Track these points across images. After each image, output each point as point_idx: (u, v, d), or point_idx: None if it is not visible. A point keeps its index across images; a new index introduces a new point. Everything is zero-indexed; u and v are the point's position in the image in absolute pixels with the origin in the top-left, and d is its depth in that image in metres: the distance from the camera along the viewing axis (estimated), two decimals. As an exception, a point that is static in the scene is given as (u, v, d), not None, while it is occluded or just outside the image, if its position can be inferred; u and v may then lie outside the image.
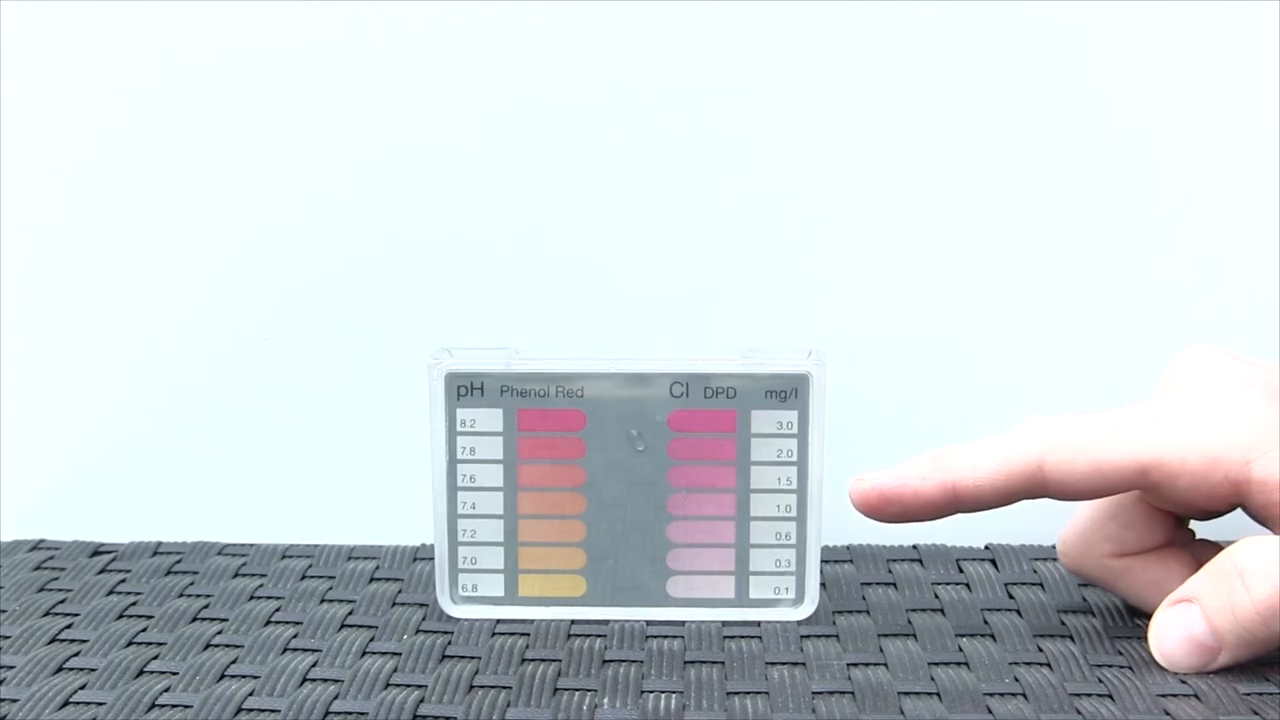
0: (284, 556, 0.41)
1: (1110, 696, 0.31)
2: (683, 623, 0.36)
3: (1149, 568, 0.34)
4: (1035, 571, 0.39)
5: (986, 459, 0.33)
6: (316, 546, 0.42)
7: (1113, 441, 0.32)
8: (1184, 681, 0.32)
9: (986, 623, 0.36)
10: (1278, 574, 0.30)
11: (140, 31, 0.43)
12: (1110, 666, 0.33)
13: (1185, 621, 0.32)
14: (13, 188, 0.44)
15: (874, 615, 0.36)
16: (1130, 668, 0.33)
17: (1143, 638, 0.35)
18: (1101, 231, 0.42)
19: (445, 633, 0.36)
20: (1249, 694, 0.31)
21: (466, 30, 0.42)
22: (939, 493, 0.33)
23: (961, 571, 0.39)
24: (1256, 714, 0.30)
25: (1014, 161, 0.42)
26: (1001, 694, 0.31)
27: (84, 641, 0.36)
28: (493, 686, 0.33)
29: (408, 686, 0.33)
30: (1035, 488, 0.32)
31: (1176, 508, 0.33)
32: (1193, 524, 0.36)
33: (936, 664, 0.33)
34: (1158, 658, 0.32)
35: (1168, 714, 0.30)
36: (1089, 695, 0.31)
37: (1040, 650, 0.34)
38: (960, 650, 0.34)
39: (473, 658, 0.34)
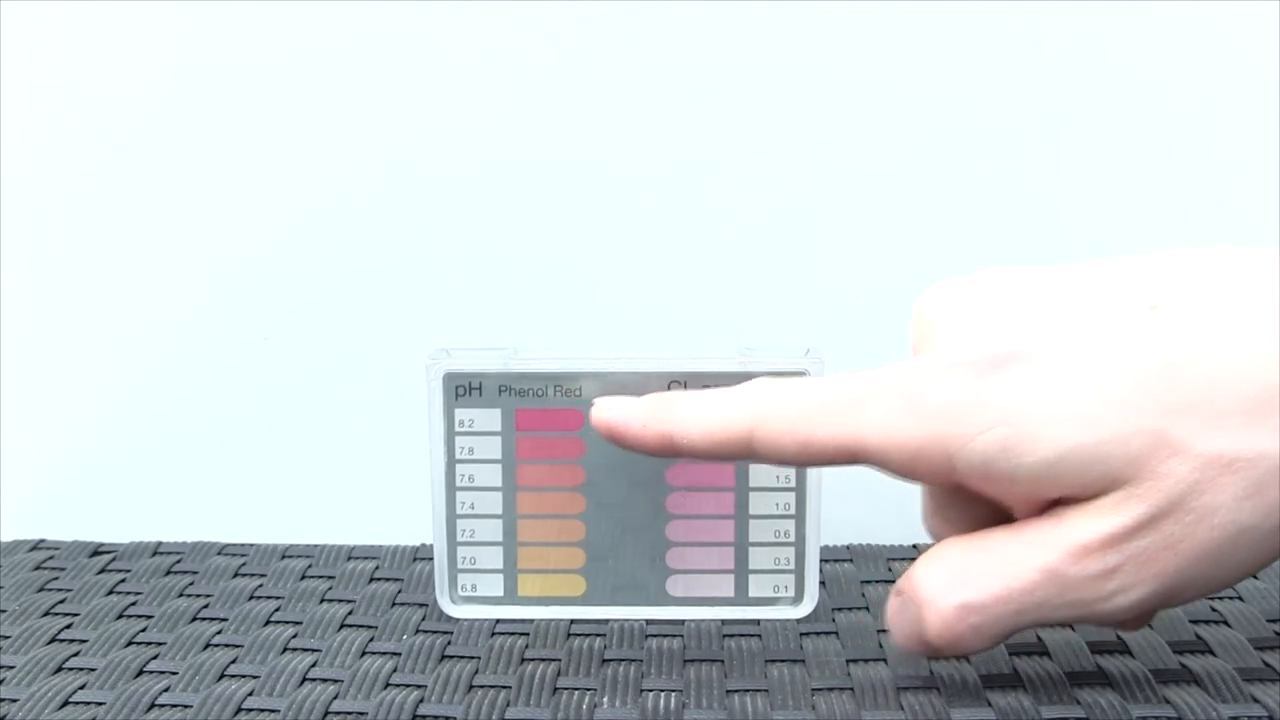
0: (284, 556, 0.41)
1: (1110, 685, 0.31)
2: (682, 621, 0.36)
3: None
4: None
5: (703, 417, 0.31)
6: (316, 546, 0.42)
7: (820, 420, 0.30)
8: (1184, 667, 0.32)
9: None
10: (938, 620, 0.29)
11: (144, 35, 0.43)
12: (1111, 653, 0.33)
13: (900, 616, 0.30)
14: (14, 188, 0.44)
15: (874, 612, 0.36)
16: (1130, 653, 0.33)
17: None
18: (1100, 232, 0.42)
19: (445, 633, 0.36)
20: (1250, 680, 0.31)
21: (465, 33, 0.42)
22: (657, 442, 0.32)
23: (961, 569, 0.39)
24: (1256, 700, 0.30)
25: (1012, 160, 0.42)
26: (1001, 687, 0.31)
27: (84, 641, 0.36)
28: (492, 686, 0.33)
29: (407, 686, 0.33)
30: (747, 454, 0.31)
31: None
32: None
33: (936, 658, 0.33)
34: (897, 644, 0.30)
35: (1168, 701, 0.30)
36: (1089, 685, 0.31)
37: (1039, 640, 0.34)
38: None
39: (472, 657, 0.34)
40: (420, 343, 0.37)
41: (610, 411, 0.32)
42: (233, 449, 0.45)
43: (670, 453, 0.32)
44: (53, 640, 0.36)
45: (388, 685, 0.33)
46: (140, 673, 0.34)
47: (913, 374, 0.29)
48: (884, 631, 0.35)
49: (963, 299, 0.30)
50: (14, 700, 0.32)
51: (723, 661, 0.34)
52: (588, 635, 0.35)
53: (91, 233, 0.44)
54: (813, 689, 0.32)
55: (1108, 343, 0.28)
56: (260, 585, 0.39)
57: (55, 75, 0.44)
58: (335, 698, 0.32)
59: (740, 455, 0.31)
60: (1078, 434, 0.27)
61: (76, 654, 0.35)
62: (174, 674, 0.33)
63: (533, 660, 0.34)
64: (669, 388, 0.35)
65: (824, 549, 0.40)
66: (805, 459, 0.30)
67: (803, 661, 0.33)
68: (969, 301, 0.30)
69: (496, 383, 0.35)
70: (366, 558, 0.41)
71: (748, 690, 0.32)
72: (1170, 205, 0.42)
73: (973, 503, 0.30)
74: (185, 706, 0.32)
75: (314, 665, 0.34)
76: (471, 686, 0.33)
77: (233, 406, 0.45)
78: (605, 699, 0.32)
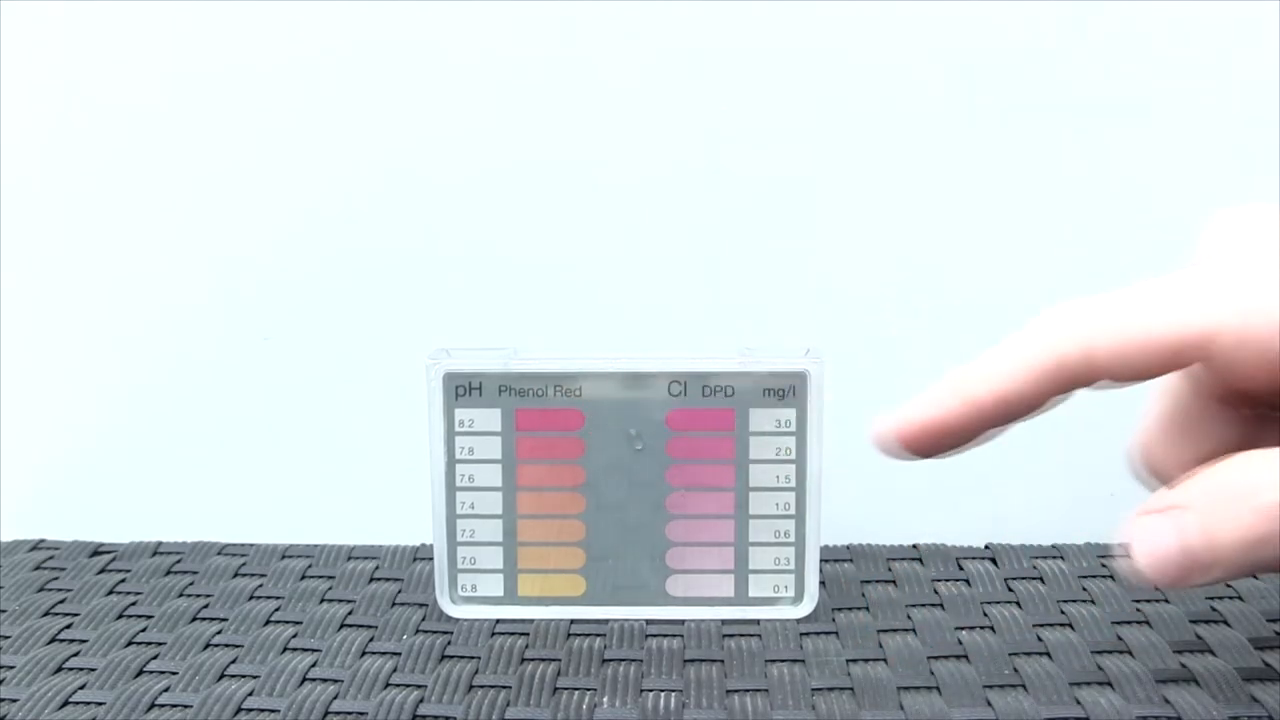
0: (284, 556, 0.41)
1: (1110, 685, 0.31)
2: (682, 621, 0.36)
3: None
4: (1035, 568, 0.39)
5: (1012, 362, 0.29)
6: (316, 546, 0.42)
7: (1162, 312, 0.28)
8: (1184, 666, 0.32)
9: (986, 615, 0.36)
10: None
11: (144, 35, 0.43)
12: (1111, 653, 0.33)
13: (1170, 532, 0.28)
14: (14, 188, 0.44)
15: (873, 612, 0.36)
16: (1130, 653, 0.33)
17: (1143, 622, 0.35)
18: (1101, 231, 0.42)
19: (445, 633, 0.36)
20: (1249, 679, 0.31)
21: (465, 33, 0.42)
22: (964, 412, 0.30)
23: (961, 569, 0.39)
24: (1256, 700, 0.30)
25: (1013, 158, 0.42)
26: (1001, 686, 0.31)
27: (84, 641, 0.36)
28: (492, 686, 0.33)
29: (407, 686, 0.33)
30: (1080, 377, 0.29)
31: (1243, 390, 0.30)
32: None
33: (936, 658, 0.33)
34: (1138, 566, 0.28)
35: (1167, 701, 0.30)
36: (1089, 685, 0.31)
37: (1040, 639, 0.34)
38: (960, 644, 0.34)
39: (472, 657, 0.34)
40: (420, 343, 0.37)
41: (896, 419, 0.30)
42: (233, 449, 0.45)
43: (987, 421, 0.30)
44: (53, 640, 0.36)
45: (388, 685, 0.33)
46: (140, 673, 0.34)
47: (1238, 264, 0.29)
48: (884, 631, 0.35)
49: (1263, 214, 0.30)
50: (14, 700, 0.32)
51: (723, 661, 0.34)
52: (588, 635, 0.35)
53: (91, 233, 0.44)
54: (813, 689, 0.32)
55: None
56: (260, 585, 0.39)
57: (55, 75, 0.43)
58: (335, 698, 0.32)
59: (1070, 384, 0.29)
60: None
61: (76, 654, 0.35)
62: (174, 674, 0.33)
63: (533, 660, 0.34)
64: (668, 388, 0.35)
65: (824, 549, 0.40)
66: (1144, 364, 0.29)
67: (803, 661, 0.33)
68: (1271, 216, 0.30)
69: (496, 383, 0.35)
70: (366, 558, 0.41)
71: (748, 690, 0.32)
72: (1173, 204, 0.42)
73: (1233, 420, 0.30)
74: (185, 706, 0.32)
75: (314, 665, 0.34)
76: (471, 686, 0.33)
77: (233, 406, 0.45)
78: (605, 699, 0.32)
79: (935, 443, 0.30)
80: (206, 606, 0.38)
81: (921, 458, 0.31)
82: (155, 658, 0.34)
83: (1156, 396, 0.33)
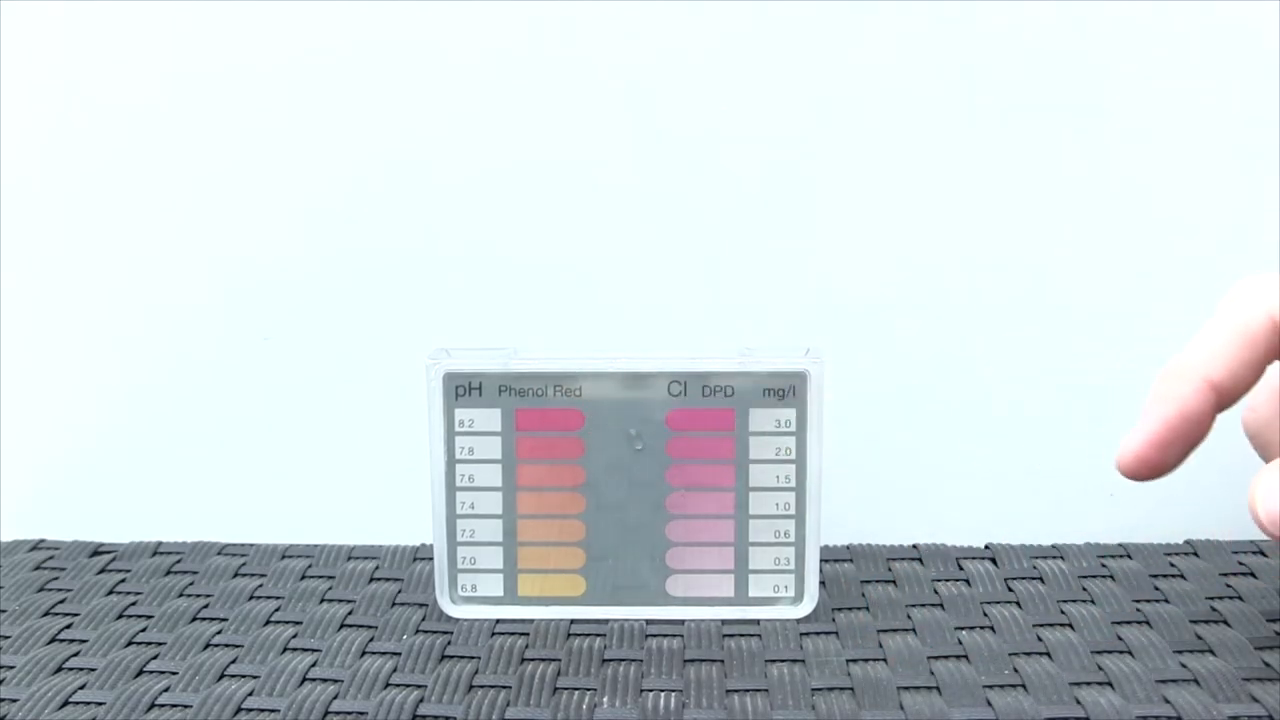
0: (284, 556, 0.41)
1: (1110, 685, 0.31)
2: (682, 621, 0.36)
3: None
4: (1035, 568, 0.39)
5: (1233, 335, 0.30)
6: (316, 546, 0.42)
7: None
8: (1184, 666, 0.32)
9: (986, 615, 0.36)
10: None
11: (144, 35, 0.43)
12: (1111, 653, 0.33)
13: None
14: (14, 187, 0.44)
15: (873, 612, 0.36)
16: (1130, 653, 0.33)
17: (1143, 622, 0.35)
18: (1101, 231, 0.42)
19: (445, 633, 0.36)
20: (1249, 679, 0.31)
21: (465, 33, 0.42)
22: (1205, 394, 0.30)
23: (961, 569, 0.39)
24: (1256, 700, 0.30)
25: (1013, 157, 0.42)
26: (1001, 686, 0.31)
27: (84, 641, 0.36)
28: (492, 686, 0.33)
29: (407, 686, 0.33)
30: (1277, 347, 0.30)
31: None
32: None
33: (936, 658, 0.33)
34: (1263, 520, 0.29)
35: (1167, 701, 0.30)
36: (1089, 684, 0.31)
37: (1040, 639, 0.34)
38: (960, 644, 0.34)
39: (472, 657, 0.34)
40: (420, 343, 0.37)
41: (1138, 438, 0.30)
42: (233, 449, 0.45)
43: (1218, 402, 0.30)
44: (53, 640, 0.36)
45: (388, 685, 0.33)
46: (140, 673, 0.34)
47: None
48: (884, 631, 0.35)
49: None
50: (14, 700, 0.32)
51: (723, 661, 0.34)
52: (588, 635, 0.35)
53: (91, 233, 0.44)
54: (813, 689, 0.32)
55: None
56: (260, 585, 0.39)
57: (55, 75, 0.44)
58: (335, 698, 0.32)
59: (1275, 354, 0.30)
60: None
61: (76, 654, 0.35)
62: (174, 674, 0.33)
63: (533, 660, 0.34)
64: (668, 388, 0.35)
65: (824, 549, 0.40)
66: None
67: (803, 661, 0.33)
68: None
69: (496, 383, 0.35)
70: (366, 558, 0.41)
71: (748, 690, 0.32)
72: (1173, 204, 0.42)
73: None
74: (185, 706, 0.32)
75: (314, 665, 0.34)
76: (471, 686, 0.33)
77: (233, 406, 0.45)
78: (605, 699, 0.32)
79: (1183, 443, 0.30)
80: (206, 606, 0.38)
81: (1164, 473, 0.31)
82: (155, 658, 0.34)
83: (1274, 369, 0.33)
